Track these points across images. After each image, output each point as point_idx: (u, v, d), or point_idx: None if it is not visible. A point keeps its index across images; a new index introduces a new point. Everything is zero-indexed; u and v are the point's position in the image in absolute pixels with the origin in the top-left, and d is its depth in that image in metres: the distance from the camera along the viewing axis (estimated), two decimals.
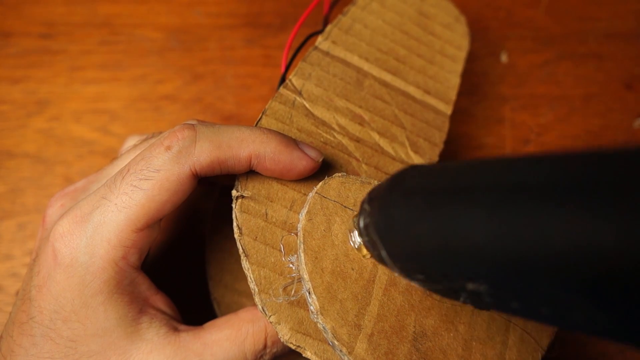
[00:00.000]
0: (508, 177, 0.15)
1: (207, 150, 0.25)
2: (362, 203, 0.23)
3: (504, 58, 0.49)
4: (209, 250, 0.35)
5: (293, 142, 0.27)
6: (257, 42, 0.47)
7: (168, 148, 0.25)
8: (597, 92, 0.48)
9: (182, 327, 0.27)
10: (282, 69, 0.32)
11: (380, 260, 0.22)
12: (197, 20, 0.47)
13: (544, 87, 0.48)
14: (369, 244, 0.23)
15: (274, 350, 0.27)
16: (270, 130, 0.27)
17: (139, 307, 0.26)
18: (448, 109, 0.35)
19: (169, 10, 0.47)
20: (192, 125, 0.26)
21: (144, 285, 0.27)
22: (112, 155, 0.42)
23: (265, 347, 0.27)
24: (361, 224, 0.23)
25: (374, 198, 0.22)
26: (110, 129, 0.43)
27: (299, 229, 0.26)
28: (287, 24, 0.48)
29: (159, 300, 0.28)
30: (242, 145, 0.26)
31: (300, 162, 0.26)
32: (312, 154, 0.27)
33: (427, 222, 0.18)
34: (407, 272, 0.21)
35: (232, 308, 0.33)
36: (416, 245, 0.19)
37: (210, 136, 0.25)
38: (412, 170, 0.21)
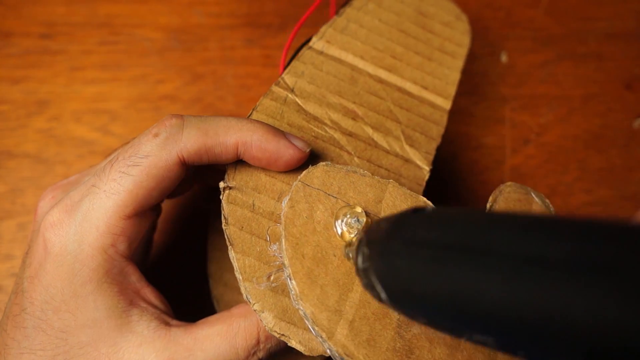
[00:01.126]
0: (525, 245, 0.16)
1: (194, 137, 0.25)
2: (360, 243, 0.22)
3: (504, 58, 0.49)
4: (209, 249, 0.36)
5: (280, 132, 0.27)
6: (257, 42, 0.47)
7: (156, 135, 0.25)
8: (597, 92, 0.48)
9: (173, 321, 0.27)
10: (280, 71, 0.32)
11: (379, 299, 0.22)
12: (197, 20, 0.47)
13: (544, 87, 0.48)
14: (368, 286, 0.22)
15: (268, 345, 0.27)
16: (257, 120, 0.27)
17: (129, 298, 0.26)
18: (447, 104, 0.34)
19: (169, 10, 0.47)
20: (181, 115, 0.26)
21: (134, 277, 0.27)
22: None
23: (258, 342, 0.26)
24: (359, 264, 0.22)
25: (373, 241, 0.22)
26: (110, 129, 0.43)
27: (281, 216, 0.26)
28: (287, 24, 0.48)
29: (149, 293, 0.27)
30: (229, 132, 0.26)
31: (287, 151, 0.26)
32: (299, 144, 0.27)
33: (435, 279, 0.18)
34: (409, 315, 0.21)
35: (232, 306, 0.33)
36: (422, 297, 0.19)
37: (197, 124, 0.26)
38: (413, 217, 0.21)
